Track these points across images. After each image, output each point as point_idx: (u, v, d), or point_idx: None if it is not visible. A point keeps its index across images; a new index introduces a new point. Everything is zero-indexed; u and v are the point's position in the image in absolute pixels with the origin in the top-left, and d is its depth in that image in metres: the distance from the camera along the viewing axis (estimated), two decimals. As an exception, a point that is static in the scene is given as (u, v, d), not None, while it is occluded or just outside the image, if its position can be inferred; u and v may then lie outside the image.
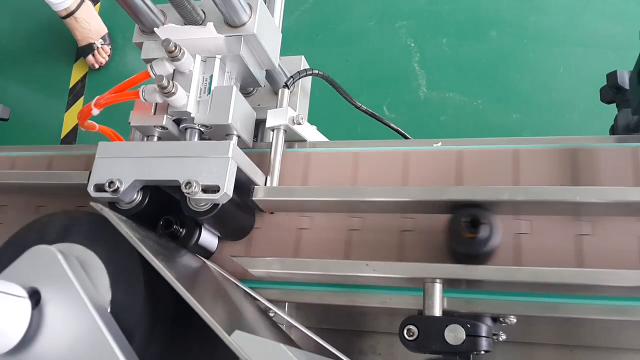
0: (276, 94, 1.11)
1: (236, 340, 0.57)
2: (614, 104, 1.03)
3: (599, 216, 0.83)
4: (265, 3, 0.97)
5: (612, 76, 0.99)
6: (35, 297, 0.63)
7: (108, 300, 0.65)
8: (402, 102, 2.42)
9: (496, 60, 2.41)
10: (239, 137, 0.93)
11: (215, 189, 0.81)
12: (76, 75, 3.05)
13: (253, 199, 0.89)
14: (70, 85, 3.03)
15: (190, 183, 0.80)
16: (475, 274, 0.75)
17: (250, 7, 0.93)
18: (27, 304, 0.62)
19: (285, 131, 0.98)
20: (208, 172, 0.82)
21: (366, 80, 2.48)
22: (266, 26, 0.96)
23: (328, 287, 0.89)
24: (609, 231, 0.83)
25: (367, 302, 0.87)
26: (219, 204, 0.83)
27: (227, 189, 0.82)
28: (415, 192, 0.84)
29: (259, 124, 1.10)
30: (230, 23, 0.92)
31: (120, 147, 0.87)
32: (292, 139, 1.02)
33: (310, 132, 1.04)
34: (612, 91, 1.00)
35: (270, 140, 0.98)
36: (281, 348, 0.57)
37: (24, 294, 0.63)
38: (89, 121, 1.12)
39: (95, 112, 0.98)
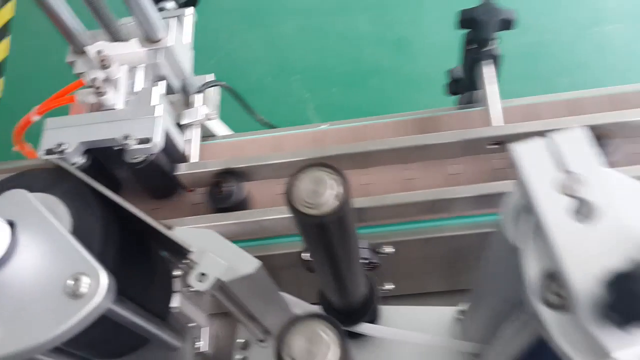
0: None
1: (177, 234, 0.76)
2: (458, 96, 1.33)
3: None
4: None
5: (451, 71, 1.28)
6: (11, 226, 0.79)
7: (69, 227, 0.82)
8: (302, 145, 2.68)
9: (379, 104, 2.74)
10: (161, 129, 1.14)
11: (147, 141, 1.02)
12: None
13: (176, 173, 1.09)
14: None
15: (128, 136, 1.02)
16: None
17: (166, 26, 1.16)
18: (6, 227, 0.78)
19: (199, 126, 1.20)
20: (141, 129, 1.03)
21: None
22: (179, 42, 1.19)
23: (243, 242, 1.09)
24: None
25: (278, 250, 1.07)
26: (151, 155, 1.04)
27: (157, 140, 1.03)
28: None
29: (176, 128, 1.31)
30: (151, 39, 1.15)
31: (66, 120, 1.07)
32: (205, 135, 1.23)
33: (221, 129, 1.26)
34: (454, 84, 1.29)
35: (187, 138, 1.19)
36: (213, 233, 0.76)
37: (3, 221, 0.79)
38: (23, 142, 1.27)
39: (37, 118, 1.15)
